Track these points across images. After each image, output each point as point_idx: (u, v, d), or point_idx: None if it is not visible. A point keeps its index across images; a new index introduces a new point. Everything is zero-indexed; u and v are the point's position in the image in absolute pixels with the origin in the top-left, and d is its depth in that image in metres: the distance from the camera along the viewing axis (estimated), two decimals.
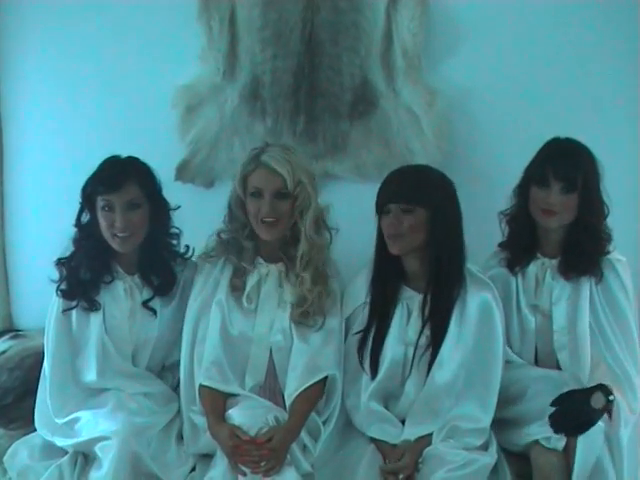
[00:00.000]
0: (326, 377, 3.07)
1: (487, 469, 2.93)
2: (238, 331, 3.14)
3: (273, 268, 3.19)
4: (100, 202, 3.08)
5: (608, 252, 3.15)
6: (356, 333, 3.13)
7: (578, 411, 2.88)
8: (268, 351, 3.16)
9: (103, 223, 3.08)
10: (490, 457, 2.97)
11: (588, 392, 2.92)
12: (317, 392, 3.05)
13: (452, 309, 3.04)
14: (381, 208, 3.03)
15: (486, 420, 3.01)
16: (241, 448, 2.80)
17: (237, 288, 3.17)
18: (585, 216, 3.09)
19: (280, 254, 3.18)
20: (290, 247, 3.16)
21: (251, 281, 3.16)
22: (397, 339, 3.08)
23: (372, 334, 3.11)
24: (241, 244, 3.17)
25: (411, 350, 3.07)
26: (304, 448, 3.00)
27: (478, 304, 3.03)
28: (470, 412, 2.99)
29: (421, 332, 3.05)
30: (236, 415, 2.91)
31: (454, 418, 2.98)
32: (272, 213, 3.06)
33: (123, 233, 3.07)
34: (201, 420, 3.04)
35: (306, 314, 3.12)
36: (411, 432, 3.01)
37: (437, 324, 3.04)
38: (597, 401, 2.89)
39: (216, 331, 3.10)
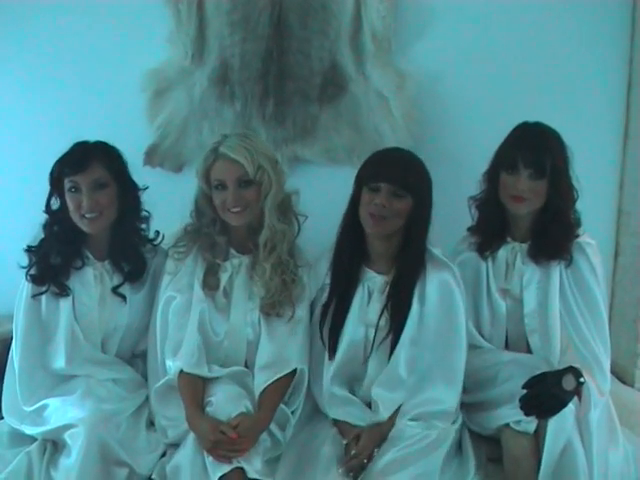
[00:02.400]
0: (294, 369, 3.06)
1: (443, 440, 2.93)
2: (215, 327, 3.13)
3: (245, 259, 3.18)
4: (67, 184, 3.07)
5: (577, 236, 3.16)
6: (322, 306, 3.14)
7: (550, 393, 2.88)
8: (245, 345, 3.15)
9: (71, 205, 3.07)
10: (447, 430, 2.97)
11: (559, 374, 2.92)
12: (285, 384, 3.05)
13: (413, 291, 3.05)
14: (369, 183, 3.01)
15: (452, 401, 3.01)
16: (222, 442, 2.79)
17: (211, 287, 3.15)
18: (554, 201, 3.09)
19: (249, 244, 3.17)
20: (257, 235, 3.13)
21: (224, 277, 3.16)
22: (357, 320, 3.09)
23: (331, 312, 3.11)
24: (213, 239, 3.16)
25: (372, 331, 3.08)
26: (273, 439, 3.01)
27: (438, 285, 3.04)
28: (436, 395, 3.00)
29: (381, 314, 3.06)
30: (217, 402, 2.91)
31: (421, 404, 2.99)
32: (238, 203, 3.06)
33: (91, 214, 3.06)
34: (167, 422, 3.04)
35: (272, 305, 3.11)
36: (381, 415, 3.02)
37: (397, 306, 3.05)
38: (568, 383, 2.90)
39: (194, 326, 3.08)
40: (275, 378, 3.01)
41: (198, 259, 3.18)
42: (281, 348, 3.08)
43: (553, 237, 3.13)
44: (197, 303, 3.11)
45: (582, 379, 2.93)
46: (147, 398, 3.17)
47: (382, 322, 3.05)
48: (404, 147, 3.27)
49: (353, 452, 2.92)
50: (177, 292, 3.15)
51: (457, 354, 3.03)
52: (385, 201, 2.96)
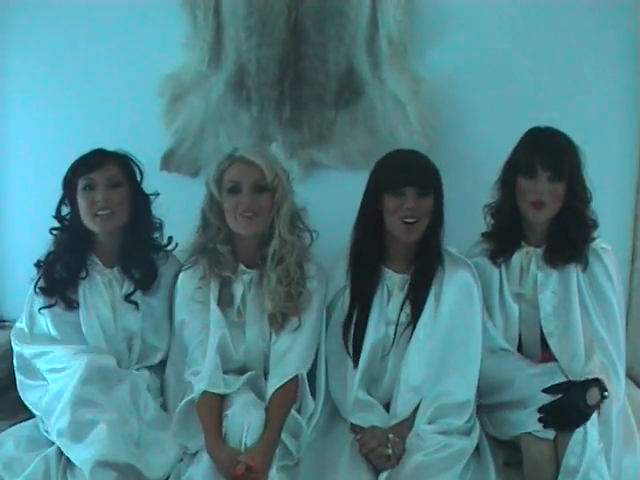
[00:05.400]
0: (297, 377, 3.05)
1: (465, 453, 2.93)
2: (234, 347, 3.12)
3: (254, 274, 3.17)
4: (81, 183, 3.10)
5: (593, 239, 3.16)
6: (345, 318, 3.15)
7: (573, 407, 2.87)
8: (262, 359, 3.15)
9: (83, 204, 3.10)
10: (470, 442, 2.98)
11: (584, 387, 2.91)
12: (289, 393, 3.02)
13: (430, 287, 3.08)
14: (392, 189, 3.04)
15: (467, 393, 3.03)
16: (239, 474, 2.75)
17: (226, 304, 3.14)
18: (572, 203, 3.10)
19: (257, 258, 3.16)
20: (265, 248, 3.13)
21: (237, 294, 3.15)
22: (378, 320, 3.11)
23: (354, 318, 3.12)
24: (217, 250, 3.14)
25: (392, 329, 3.10)
26: (285, 449, 2.97)
27: (456, 282, 3.09)
28: (451, 387, 3.02)
29: (401, 310, 3.09)
30: (232, 414, 2.89)
31: (437, 397, 3.01)
32: (251, 207, 3.05)
33: (104, 211, 3.08)
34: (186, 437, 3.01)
35: (276, 316, 3.10)
36: (398, 412, 3.03)
37: (416, 302, 3.09)
38: (592, 397, 2.89)
39: (213, 349, 3.05)
40: (274, 389, 2.99)
41: (210, 279, 3.14)
42: (283, 358, 3.07)
43: (571, 239, 3.12)
44: (217, 328, 3.08)
45: (606, 393, 2.91)
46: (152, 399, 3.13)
47: (402, 318, 3.09)
48: (420, 151, 3.27)
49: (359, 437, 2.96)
50: (191, 312, 3.14)
51: (472, 348, 3.07)
52: (414, 203, 3.00)
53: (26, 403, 3.12)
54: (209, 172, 3.17)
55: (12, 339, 3.20)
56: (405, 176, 3.03)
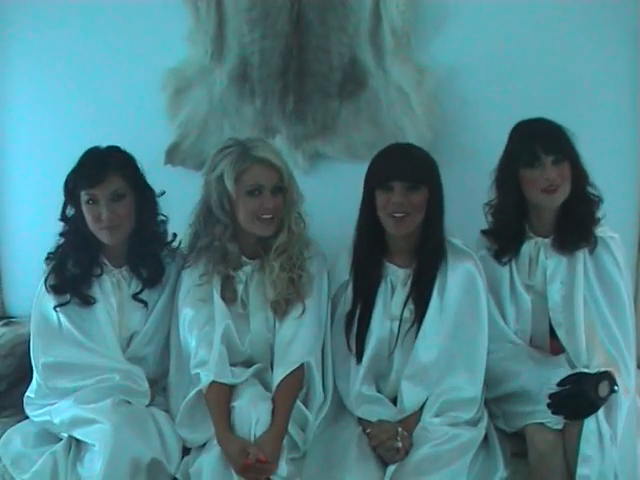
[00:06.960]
0: (303, 365, 3.04)
1: (473, 443, 2.94)
2: (239, 338, 3.11)
3: (256, 264, 3.16)
4: (84, 196, 3.05)
5: (599, 219, 3.15)
6: (347, 313, 3.14)
7: (584, 397, 2.87)
8: (268, 349, 3.15)
9: (89, 217, 3.06)
10: (477, 432, 2.98)
11: (596, 380, 2.91)
12: (295, 382, 3.01)
13: (434, 281, 3.05)
14: (381, 184, 3.01)
15: (475, 390, 3.03)
16: (250, 464, 2.75)
17: (230, 299, 3.13)
18: (577, 182, 3.09)
19: (259, 249, 3.15)
20: (270, 239, 3.11)
21: (240, 287, 3.14)
22: (382, 315, 3.09)
23: (358, 314, 3.11)
24: (226, 249, 3.12)
25: (396, 325, 3.08)
26: (292, 441, 2.98)
27: (460, 274, 3.06)
28: (459, 383, 3.01)
29: (404, 306, 3.07)
30: (239, 407, 2.90)
31: (443, 392, 3.00)
32: (272, 209, 3.02)
33: (110, 225, 3.05)
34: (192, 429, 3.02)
35: (280, 303, 3.09)
36: (405, 408, 3.03)
37: (420, 297, 3.06)
38: (604, 389, 2.88)
39: (219, 339, 3.03)
40: (281, 379, 2.98)
41: (213, 275, 3.13)
42: (289, 346, 3.06)
43: (580, 220, 3.12)
44: (222, 318, 3.07)
45: (616, 387, 2.91)
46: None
47: (406, 314, 3.06)
48: (424, 142, 3.27)
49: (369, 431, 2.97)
50: (194, 307, 3.11)
51: (479, 342, 3.06)
52: (402, 198, 2.97)
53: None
54: (223, 168, 3.04)
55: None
56: (392, 171, 3.00)
